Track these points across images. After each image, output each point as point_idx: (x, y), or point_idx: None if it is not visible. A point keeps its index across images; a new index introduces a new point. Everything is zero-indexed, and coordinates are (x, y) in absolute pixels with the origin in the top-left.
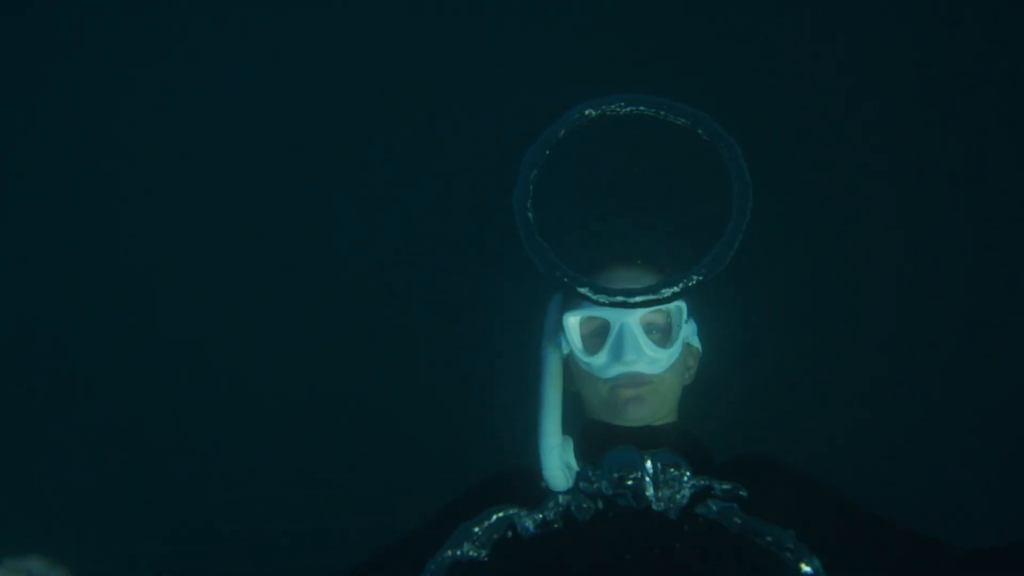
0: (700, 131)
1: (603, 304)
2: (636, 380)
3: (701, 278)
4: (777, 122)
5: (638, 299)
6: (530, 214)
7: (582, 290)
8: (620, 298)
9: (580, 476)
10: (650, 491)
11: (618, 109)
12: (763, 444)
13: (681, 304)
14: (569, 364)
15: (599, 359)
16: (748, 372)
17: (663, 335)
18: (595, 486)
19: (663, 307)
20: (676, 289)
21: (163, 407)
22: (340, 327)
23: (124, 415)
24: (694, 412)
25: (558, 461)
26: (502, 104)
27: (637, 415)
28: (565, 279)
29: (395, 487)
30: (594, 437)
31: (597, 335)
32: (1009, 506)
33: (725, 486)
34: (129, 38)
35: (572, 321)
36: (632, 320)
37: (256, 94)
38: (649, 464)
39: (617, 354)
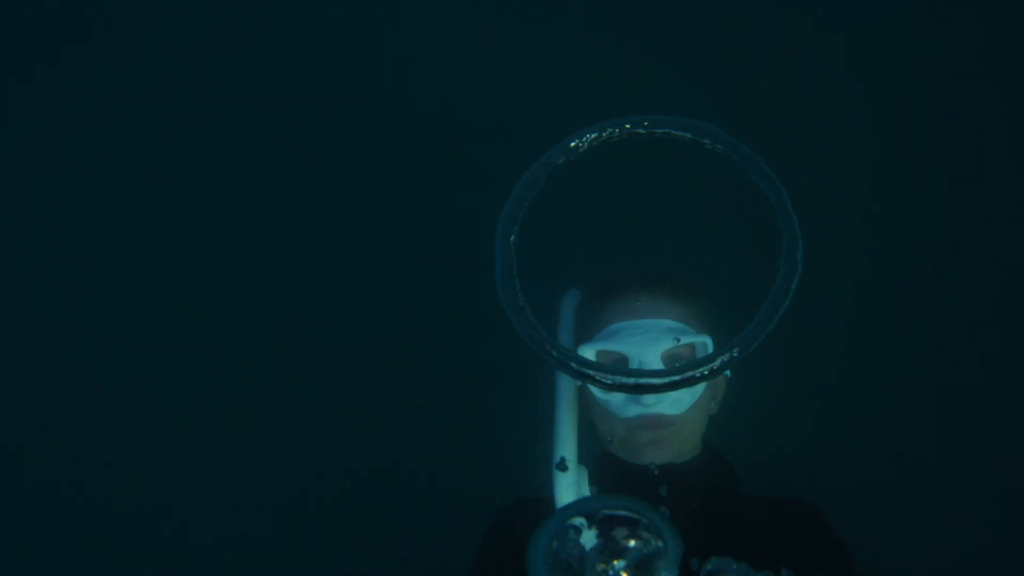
0: (736, 159)
1: (613, 389)
2: (656, 422)
3: (724, 360)
4: (777, 124)
5: (656, 381)
6: (517, 285)
7: (595, 375)
8: (634, 380)
9: None
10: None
11: (608, 135)
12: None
13: (707, 339)
14: (584, 393)
15: (616, 397)
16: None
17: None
18: None
19: (688, 340)
20: (703, 372)
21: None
22: (349, 346)
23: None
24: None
25: (573, 497)
26: (512, 106)
27: (657, 458)
28: (573, 365)
29: (405, 518)
30: (611, 473)
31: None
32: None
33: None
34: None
35: (586, 354)
36: (652, 356)
37: (255, 99)
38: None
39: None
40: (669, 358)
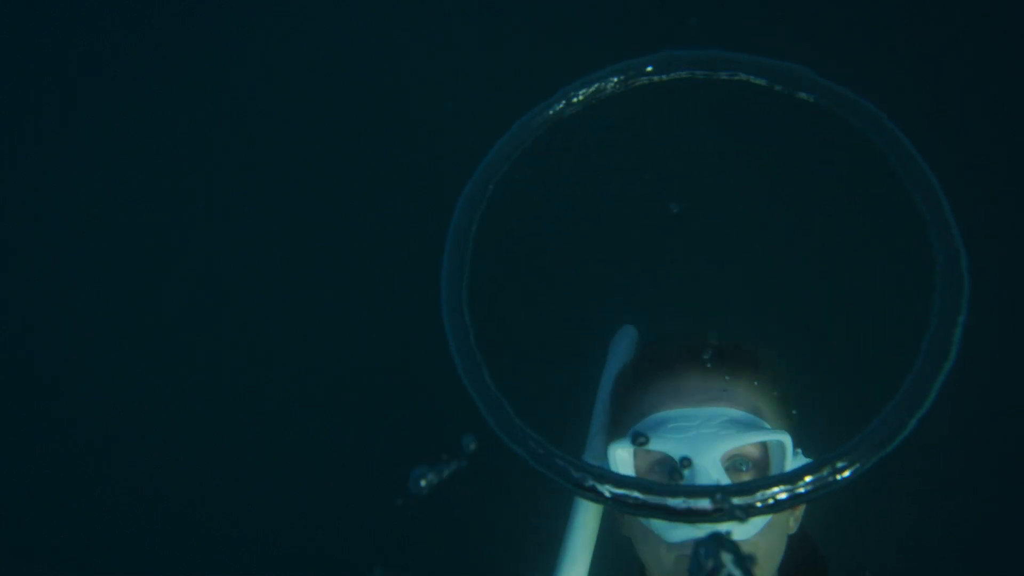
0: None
1: (640, 513)
2: None
3: (822, 479)
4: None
5: (708, 507)
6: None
7: (609, 492)
8: (681, 503)
9: None
10: None
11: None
12: None
13: (784, 437)
14: None
15: None
16: None
17: (758, 475)
18: None
19: (761, 439)
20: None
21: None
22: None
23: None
24: None
25: None
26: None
27: None
28: (573, 474)
29: None
30: None
31: (658, 472)
32: None
33: None
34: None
35: (622, 455)
36: (709, 459)
37: (258, 102)
38: None
39: None
40: (733, 459)
